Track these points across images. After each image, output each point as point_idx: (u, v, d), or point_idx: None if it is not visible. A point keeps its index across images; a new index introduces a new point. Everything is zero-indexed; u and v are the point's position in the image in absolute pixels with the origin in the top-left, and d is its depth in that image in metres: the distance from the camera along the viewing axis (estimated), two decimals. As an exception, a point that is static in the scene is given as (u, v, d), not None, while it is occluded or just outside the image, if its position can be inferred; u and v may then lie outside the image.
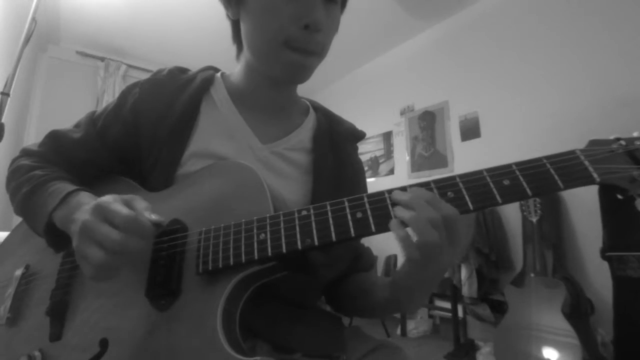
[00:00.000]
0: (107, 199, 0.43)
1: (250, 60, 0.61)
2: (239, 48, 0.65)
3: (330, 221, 0.43)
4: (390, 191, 0.43)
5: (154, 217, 0.44)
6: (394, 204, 0.41)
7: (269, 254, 0.43)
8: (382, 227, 0.41)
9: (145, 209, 0.44)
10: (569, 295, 1.72)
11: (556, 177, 0.39)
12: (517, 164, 0.41)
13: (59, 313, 0.53)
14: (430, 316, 2.79)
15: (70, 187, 0.53)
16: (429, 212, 0.39)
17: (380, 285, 0.58)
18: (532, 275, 1.88)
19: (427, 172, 3.03)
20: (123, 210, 0.41)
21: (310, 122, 0.68)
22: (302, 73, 0.58)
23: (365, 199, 0.43)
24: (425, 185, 0.43)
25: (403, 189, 0.43)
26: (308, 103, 0.73)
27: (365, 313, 0.63)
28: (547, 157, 0.40)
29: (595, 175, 0.39)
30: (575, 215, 2.07)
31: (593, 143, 0.42)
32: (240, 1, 0.57)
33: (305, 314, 0.58)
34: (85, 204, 0.47)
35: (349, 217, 0.42)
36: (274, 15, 0.53)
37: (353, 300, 0.63)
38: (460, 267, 2.27)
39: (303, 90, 0.66)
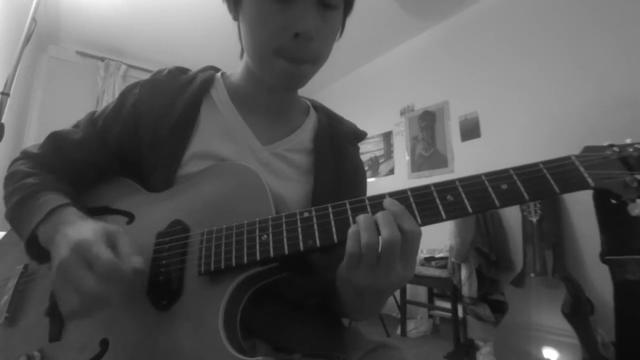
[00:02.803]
0: (89, 237, 0.42)
1: (249, 63, 0.61)
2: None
3: (332, 223, 0.43)
4: (391, 194, 0.43)
5: (136, 263, 0.42)
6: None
7: (271, 255, 0.43)
8: None
9: (128, 254, 0.42)
10: (569, 295, 1.72)
11: (552, 182, 0.40)
12: (515, 168, 0.42)
13: (58, 313, 0.52)
14: (430, 316, 2.79)
15: (57, 200, 0.52)
16: (383, 217, 0.40)
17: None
18: (532, 275, 1.88)
19: (427, 172, 3.03)
20: (104, 255, 0.40)
21: (310, 122, 0.68)
22: (294, 81, 0.58)
23: (367, 201, 0.44)
24: (424, 189, 0.43)
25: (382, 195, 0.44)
26: (309, 103, 0.73)
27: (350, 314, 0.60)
28: (544, 163, 0.41)
29: (590, 180, 0.40)
30: (575, 215, 2.07)
31: (587, 149, 0.43)
32: (238, 5, 0.57)
33: (305, 314, 0.58)
34: (68, 223, 0.46)
35: (351, 219, 0.43)
36: (265, 25, 0.52)
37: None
38: (460, 267, 2.27)
39: (303, 90, 0.65)
